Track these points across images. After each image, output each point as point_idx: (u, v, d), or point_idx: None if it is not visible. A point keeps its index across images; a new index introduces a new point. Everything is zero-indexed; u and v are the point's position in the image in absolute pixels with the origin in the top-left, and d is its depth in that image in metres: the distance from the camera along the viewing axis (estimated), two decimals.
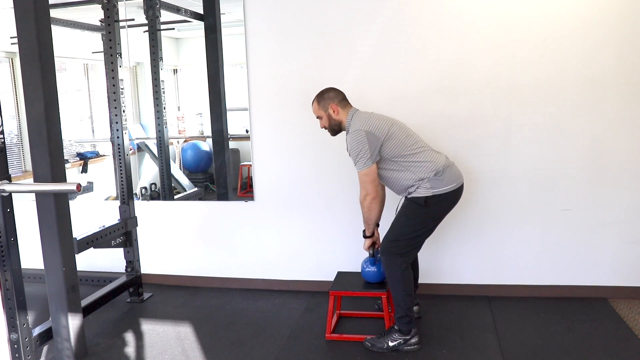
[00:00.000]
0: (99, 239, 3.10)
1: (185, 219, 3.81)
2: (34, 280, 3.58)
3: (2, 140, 2.41)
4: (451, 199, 2.74)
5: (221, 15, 3.84)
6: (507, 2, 3.11)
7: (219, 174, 4.14)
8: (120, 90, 3.33)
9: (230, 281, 3.78)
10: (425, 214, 2.71)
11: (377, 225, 2.89)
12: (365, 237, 2.92)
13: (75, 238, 2.82)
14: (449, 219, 3.32)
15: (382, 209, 2.92)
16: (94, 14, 3.83)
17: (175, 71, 5.54)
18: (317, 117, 2.88)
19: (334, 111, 2.80)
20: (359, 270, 3.07)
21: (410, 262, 2.77)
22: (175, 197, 4.57)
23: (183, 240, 3.82)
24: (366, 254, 3.00)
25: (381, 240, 2.87)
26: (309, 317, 3.24)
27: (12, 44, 3.91)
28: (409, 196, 2.74)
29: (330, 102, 2.80)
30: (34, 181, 2.57)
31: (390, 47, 3.27)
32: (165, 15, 4.32)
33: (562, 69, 3.12)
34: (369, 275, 2.97)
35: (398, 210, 2.85)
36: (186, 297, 3.65)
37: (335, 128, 2.85)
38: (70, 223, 2.69)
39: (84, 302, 3.03)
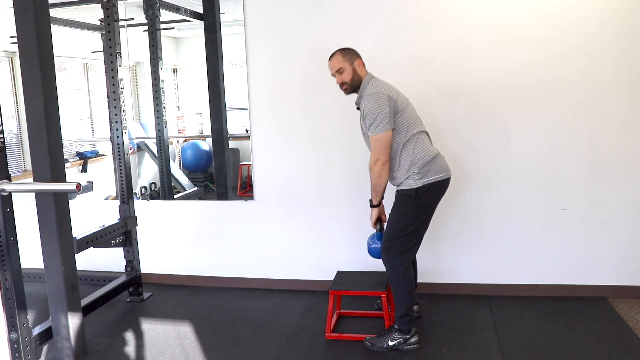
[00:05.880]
0: (98, 239, 3.10)
1: (185, 219, 3.81)
2: (34, 280, 3.58)
3: (2, 140, 2.40)
4: (438, 188, 2.74)
5: (221, 15, 3.84)
6: (507, 2, 3.11)
7: (219, 174, 4.14)
8: (120, 89, 3.33)
9: (230, 280, 3.78)
10: (417, 205, 2.71)
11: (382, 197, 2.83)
12: (372, 206, 2.83)
13: (75, 237, 2.82)
14: (449, 218, 3.33)
15: (388, 176, 2.80)
16: (94, 13, 3.84)
17: (175, 70, 5.54)
18: (337, 71, 2.76)
19: (359, 66, 2.74)
20: (359, 270, 3.07)
21: (411, 260, 2.77)
22: (175, 196, 4.57)
23: (183, 239, 3.82)
24: (371, 230, 2.96)
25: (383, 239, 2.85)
26: (308, 316, 3.24)
27: (11, 43, 3.91)
28: (400, 188, 2.74)
29: (357, 57, 2.75)
30: (34, 180, 2.58)
31: (390, 47, 3.27)
32: (165, 15, 4.32)
33: (562, 69, 3.12)
34: (375, 251, 2.90)
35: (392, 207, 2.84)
36: (186, 296, 3.65)
37: (356, 84, 2.75)
38: (70, 222, 2.69)
39: (84, 302, 3.02)
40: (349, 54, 2.76)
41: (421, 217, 2.75)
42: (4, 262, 2.43)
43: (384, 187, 2.75)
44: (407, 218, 2.72)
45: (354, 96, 2.85)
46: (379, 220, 2.89)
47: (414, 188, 2.67)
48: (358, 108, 2.77)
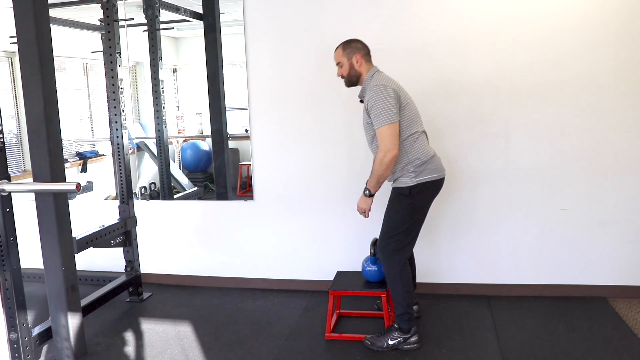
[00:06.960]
0: (98, 239, 3.10)
1: (185, 219, 3.81)
2: (33, 280, 3.58)
3: (2, 140, 2.40)
4: (433, 188, 2.76)
5: (220, 15, 3.83)
6: (507, 2, 3.11)
7: (219, 174, 4.14)
8: (120, 89, 3.33)
9: (229, 280, 3.78)
10: (411, 203, 2.72)
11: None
12: (369, 195, 2.76)
13: (75, 237, 2.82)
14: (449, 218, 3.33)
15: None
16: (94, 13, 3.83)
17: (174, 70, 5.54)
18: (337, 64, 2.81)
19: (357, 62, 2.75)
20: (359, 270, 3.08)
21: (407, 257, 2.77)
22: (175, 196, 4.56)
23: (182, 239, 3.82)
24: (367, 252, 2.99)
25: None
26: (308, 316, 3.24)
27: (11, 43, 3.90)
28: (395, 185, 2.75)
29: (357, 52, 2.75)
30: (34, 181, 2.58)
31: (389, 47, 3.26)
32: (164, 15, 4.32)
33: (562, 69, 3.13)
34: (370, 274, 2.97)
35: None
36: (186, 296, 3.65)
37: (353, 79, 2.79)
38: (70, 223, 2.69)
39: (84, 302, 3.02)
40: (349, 47, 2.77)
41: (415, 215, 2.76)
42: (4, 262, 2.43)
43: (386, 178, 2.74)
44: (402, 216, 2.73)
45: (354, 95, 2.86)
46: (374, 244, 2.93)
47: (408, 187, 2.68)
48: (362, 101, 2.78)
